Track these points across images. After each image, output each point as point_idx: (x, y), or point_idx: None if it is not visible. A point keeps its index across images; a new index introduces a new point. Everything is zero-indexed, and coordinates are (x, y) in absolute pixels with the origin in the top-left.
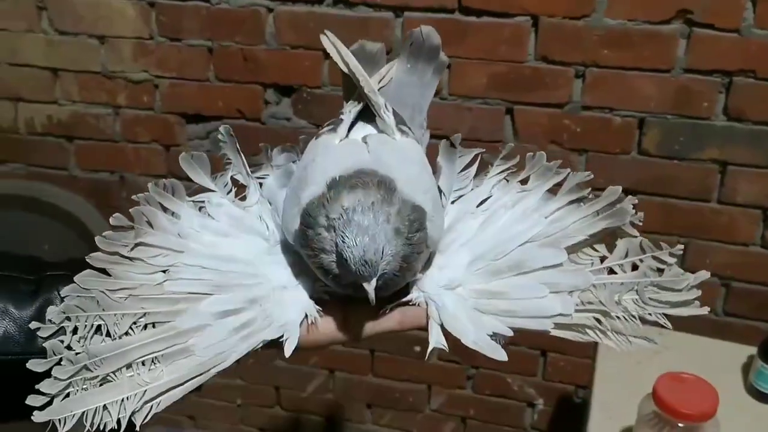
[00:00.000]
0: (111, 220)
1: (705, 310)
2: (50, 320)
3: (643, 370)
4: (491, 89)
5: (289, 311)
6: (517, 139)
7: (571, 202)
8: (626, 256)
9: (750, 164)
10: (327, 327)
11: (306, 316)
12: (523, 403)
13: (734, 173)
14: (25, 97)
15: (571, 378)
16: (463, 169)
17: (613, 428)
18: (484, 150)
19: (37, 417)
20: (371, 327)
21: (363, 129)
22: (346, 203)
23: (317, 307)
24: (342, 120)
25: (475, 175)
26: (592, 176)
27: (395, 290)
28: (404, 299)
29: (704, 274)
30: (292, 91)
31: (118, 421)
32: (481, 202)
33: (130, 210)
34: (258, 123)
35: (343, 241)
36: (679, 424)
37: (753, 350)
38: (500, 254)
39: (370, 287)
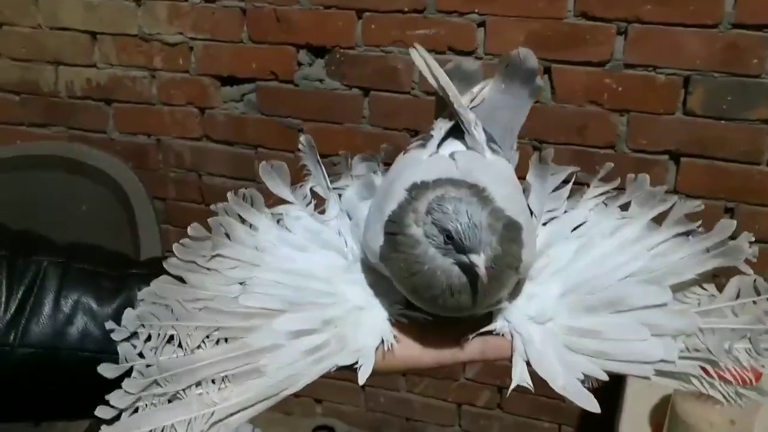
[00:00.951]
0: (189, 230)
1: None
2: (125, 325)
3: None
4: (528, 47)
5: (365, 335)
6: (554, 98)
7: (678, 235)
8: (738, 296)
9: None
10: (404, 353)
11: (382, 341)
12: None
13: None
14: (64, 61)
15: None
16: (556, 189)
17: (654, 395)
18: (579, 169)
19: None
20: (450, 355)
21: (452, 145)
22: (433, 194)
23: (395, 332)
24: (432, 136)
25: (569, 196)
26: (703, 207)
27: (480, 308)
28: (488, 327)
29: None
30: (326, 52)
31: None
32: (576, 227)
33: (208, 220)
34: (291, 85)
35: (444, 213)
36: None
37: None
38: (596, 288)
39: (480, 260)
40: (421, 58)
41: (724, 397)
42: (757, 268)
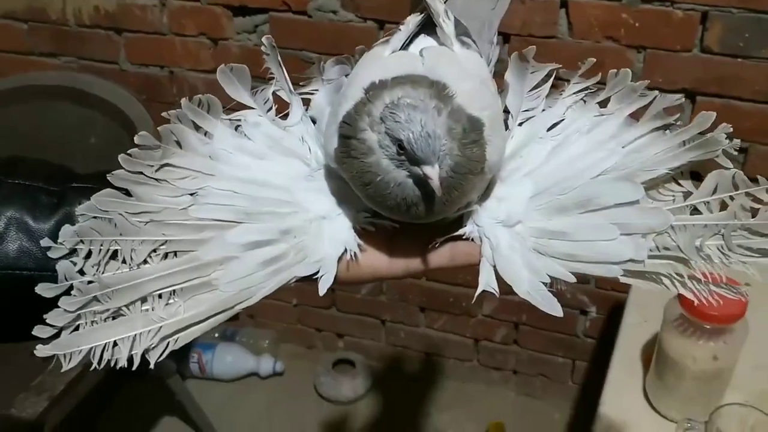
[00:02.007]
0: (136, 138)
1: None
2: (62, 242)
3: None
4: None
5: (326, 245)
6: (571, 33)
7: (655, 129)
8: (715, 192)
9: None
10: (369, 262)
11: (346, 250)
12: (576, 310)
13: None
14: None
15: (625, 286)
16: (535, 87)
17: (646, 332)
18: (560, 66)
19: (40, 351)
20: (418, 263)
21: (424, 41)
22: (389, 98)
23: (359, 240)
24: (399, 30)
25: (548, 95)
26: (683, 99)
27: (442, 216)
28: (457, 233)
29: None
30: None
31: (130, 359)
32: (553, 126)
33: (158, 128)
34: (304, 16)
35: (396, 122)
36: (706, 326)
37: None
38: (568, 188)
39: (434, 172)
40: None
41: (695, 295)
42: None
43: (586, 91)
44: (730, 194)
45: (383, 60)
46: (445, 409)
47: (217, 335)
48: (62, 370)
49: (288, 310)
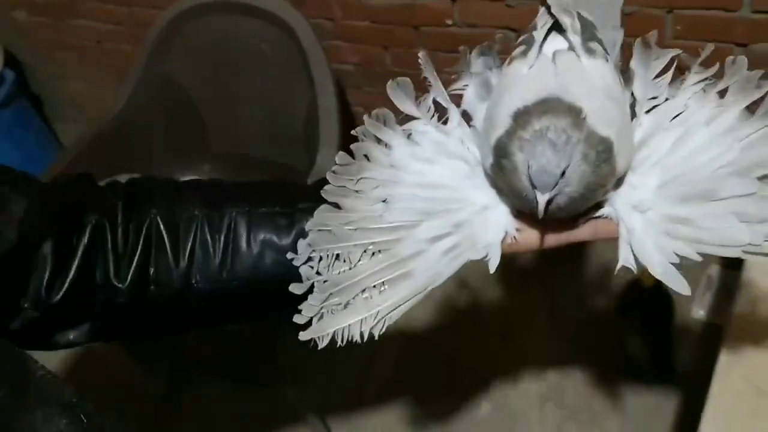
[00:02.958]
0: (336, 159)
1: None
2: (301, 253)
3: None
4: None
5: (491, 232)
6: None
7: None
8: None
9: None
10: (526, 240)
11: (506, 233)
12: None
13: None
14: None
15: None
16: (659, 74)
17: None
18: (681, 51)
19: (303, 336)
20: (566, 237)
21: (555, 41)
22: (538, 125)
23: (516, 224)
24: (534, 40)
25: (671, 82)
26: None
27: (575, 214)
28: (596, 214)
29: None
30: None
31: (361, 335)
32: (676, 115)
33: (351, 146)
34: None
35: (533, 153)
36: None
37: None
38: (691, 180)
39: (542, 198)
40: None
41: None
42: None
43: (705, 82)
44: None
45: (523, 80)
46: None
47: None
48: (319, 348)
49: None
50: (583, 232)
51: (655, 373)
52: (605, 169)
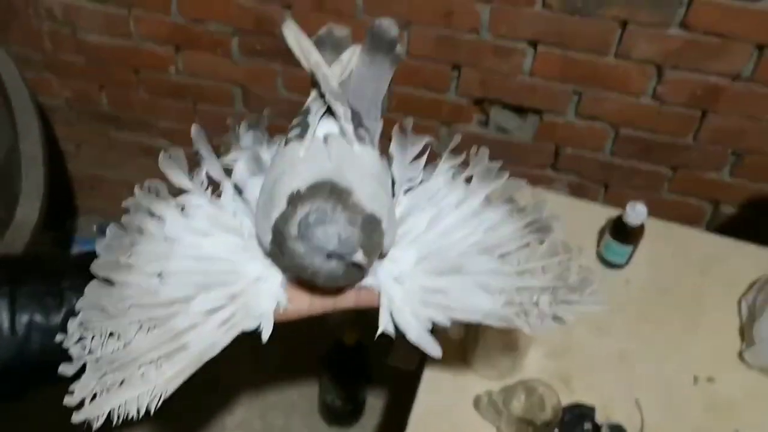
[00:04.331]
0: (107, 231)
1: (602, 307)
2: (72, 333)
3: None
4: None
5: (264, 301)
6: None
7: (507, 209)
8: (543, 257)
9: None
10: (295, 308)
11: (278, 303)
12: None
13: (633, 31)
14: None
15: None
16: (415, 158)
17: None
18: (432, 139)
19: (76, 418)
20: (332, 303)
21: (327, 123)
22: (308, 207)
23: (286, 294)
24: (309, 124)
25: (425, 166)
26: (526, 185)
27: (349, 284)
28: (361, 284)
29: (597, 279)
30: None
31: (137, 411)
32: (431, 197)
33: (122, 219)
34: None
35: (319, 238)
36: None
37: (613, 213)
38: (444, 256)
39: (361, 257)
40: (293, 36)
41: (531, 330)
42: (600, 141)
43: (454, 168)
44: (559, 259)
45: (300, 164)
46: None
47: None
48: (93, 430)
49: None
50: (347, 300)
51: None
52: (376, 239)
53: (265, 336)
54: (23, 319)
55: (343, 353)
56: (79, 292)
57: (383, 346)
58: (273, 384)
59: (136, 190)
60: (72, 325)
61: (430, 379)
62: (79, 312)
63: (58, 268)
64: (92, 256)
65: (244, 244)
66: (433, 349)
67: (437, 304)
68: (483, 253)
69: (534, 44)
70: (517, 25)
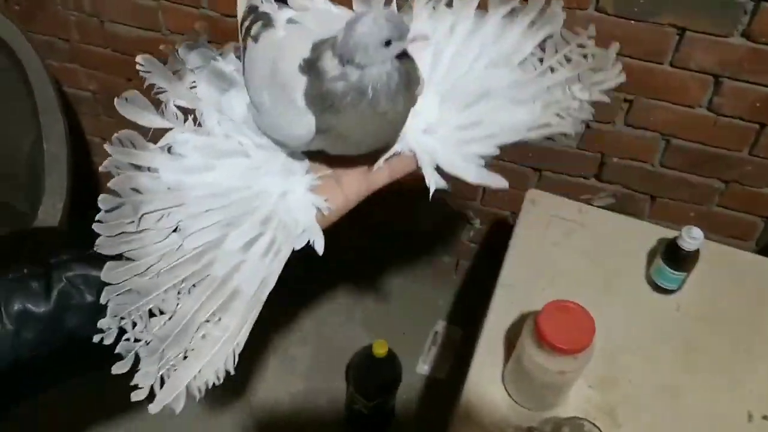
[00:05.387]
0: (100, 203)
1: (623, 77)
2: (108, 328)
3: (556, 252)
4: None
5: (301, 215)
6: None
7: (505, 16)
8: (557, 51)
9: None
10: (335, 206)
11: (316, 209)
12: (463, 221)
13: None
14: None
15: (508, 206)
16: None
17: (512, 312)
18: None
19: (153, 408)
20: (366, 186)
21: (283, 12)
22: (332, 49)
23: (320, 196)
24: (267, 13)
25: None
26: None
27: (386, 142)
28: (390, 152)
29: (616, 47)
30: None
31: (216, 376)
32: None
33: (109, 185)
34: None
35: (360, 24)
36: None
37: (663, 232)
38: (464, 89)
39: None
40: None
41: (572, 127)
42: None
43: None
44: (569, 50)
45: (289, 38)
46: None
47: None
48: (177, 413)
49: None
50: (380, 176)
51: (378, 423)
52: (413, 90)
53: (320, 246)
54: (12, 308)
55: (373, 364)
56: (67, 270)
57: (413, 354)
58: (301, 392)
59: (108, 147)
60: (103, 323)
61: (468, 409)
62: (107, 304)
63: (44, 244)
64: (81, 225)
65: (251, 162)
66: (497, 181)
67: (478, 138)
68: (500, 67)
69: None
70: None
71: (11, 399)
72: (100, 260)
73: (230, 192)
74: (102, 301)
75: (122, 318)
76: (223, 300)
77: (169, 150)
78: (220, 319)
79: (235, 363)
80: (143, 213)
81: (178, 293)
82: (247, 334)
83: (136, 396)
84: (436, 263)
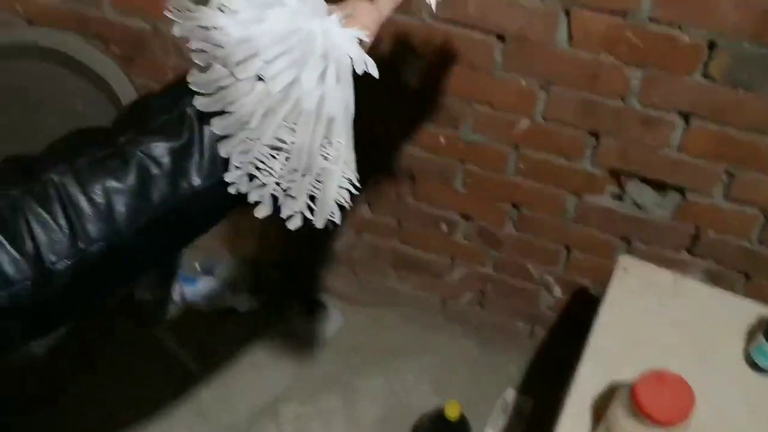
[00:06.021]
0: (194, 58)
1: None
2: (234, 179)
3: (649, 322)
4: None
5: (349, 47)
6: (570, 44)
7: None
8: None
9: None
10: (370, 25)
11: (358, 39)
12: (541, 287)
13: None
14: None
15: (591, 275)
16: None
17: (600, 382)
18: None
19: (318, 222)
20: None
21: None
22: None
23: (355, 29)
24: None
25: None
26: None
27: None
28: None
29: None
30: None
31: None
32: None
33: (192, 45)
34: None
35: None
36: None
37: (763, 309)
38: None
39: None
40: None
41: None
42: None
43: None
44: None
45: None
46: (411, 354)
47: (199, 269)
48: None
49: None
50: None
51: None
52: None
53: (374, 70)
54: (96, 189)
55: (444, 426)
56: (137, 144)
57: (480, 419)
58: None
59: (170, 15)
60: (230, 175)
61: None
62: (228, 160)
63: (108, 129)
64: (137, 106)
65: (291, 10)
66: None
67: None
68: None
69: (686, 116)
70: (671, 95)
71: (114, 283)
72: (162, 132)
73: (287, 37)
74: (223, 154)
75: (249, 163)
76: (324, 127)
77: (220, 9)
78: (330, 143)
79: (357, 177)
80: (236, 63)
81: (290, 129)
82: (352, 151)
83: (293, 224)
84: (509, 328)
